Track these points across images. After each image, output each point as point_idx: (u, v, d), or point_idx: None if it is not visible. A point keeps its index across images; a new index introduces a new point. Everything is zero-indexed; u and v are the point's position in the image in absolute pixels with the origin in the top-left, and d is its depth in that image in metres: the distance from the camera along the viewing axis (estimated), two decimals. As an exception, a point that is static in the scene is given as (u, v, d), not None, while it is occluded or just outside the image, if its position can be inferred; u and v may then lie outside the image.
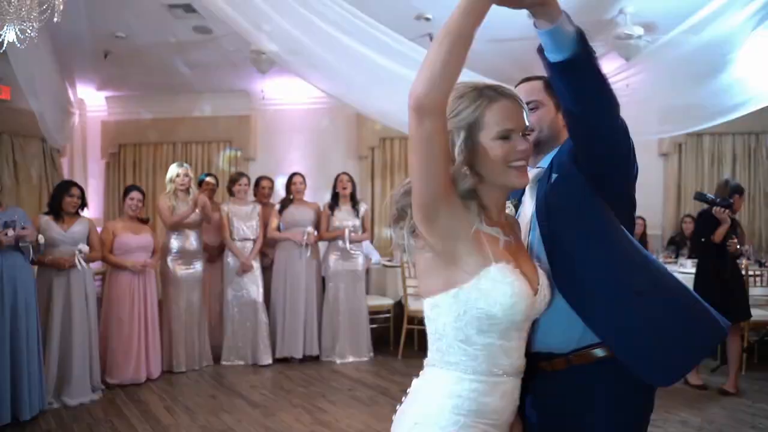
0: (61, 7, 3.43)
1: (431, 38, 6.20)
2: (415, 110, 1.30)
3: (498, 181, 1.48)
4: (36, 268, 4.67)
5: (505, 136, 1.45)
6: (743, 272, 5.31)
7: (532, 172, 1.68)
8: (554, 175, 1.66)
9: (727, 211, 4.80)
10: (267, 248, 6.19)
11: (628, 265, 1.64)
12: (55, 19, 3.46)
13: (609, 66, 6.61)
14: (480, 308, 1.41)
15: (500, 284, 1.41)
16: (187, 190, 5.70)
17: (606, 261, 1.61)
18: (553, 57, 1.41)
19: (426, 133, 1.31)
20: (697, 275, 5.11)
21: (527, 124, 1.51)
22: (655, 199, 7.75)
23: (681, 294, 1.70)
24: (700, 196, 5.03)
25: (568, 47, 1.38)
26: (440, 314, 1.47)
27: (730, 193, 5.02)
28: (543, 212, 1.64)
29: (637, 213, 6.58)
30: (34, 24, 3.53)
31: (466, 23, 1.29)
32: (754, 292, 5.43)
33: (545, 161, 1.75)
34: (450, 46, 1.28)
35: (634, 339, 1.58)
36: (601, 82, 1.46)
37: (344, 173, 6.24)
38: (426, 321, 1.52)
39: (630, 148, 1.60)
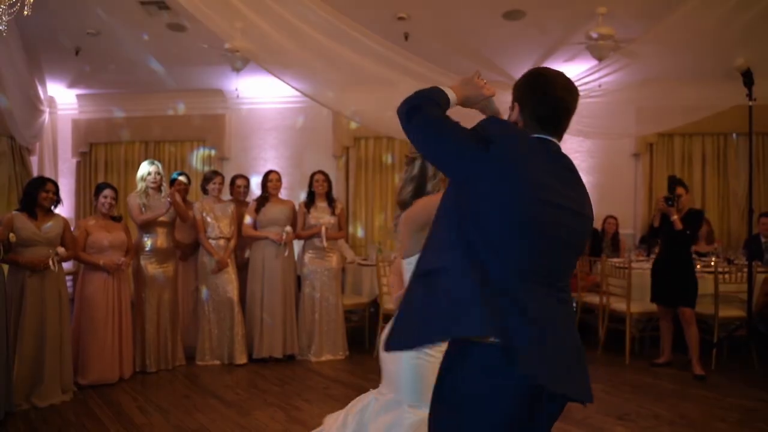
0: (32, 0, 3.37)
1: (406, 38, 6.21)
2: None
3: None
4: (7, 267, 4.57)
5: None
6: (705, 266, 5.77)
7: None
8: None
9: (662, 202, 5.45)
10: (237, 249, 6.14)
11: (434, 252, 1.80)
12: (26, 12, 3.39)
13: (581, 66, 6.69)
14: None
15: None
16: (158, 188, 5.64)
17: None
18: None
19: None
20: (657, 262, 5.65)
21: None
22: (627, 199, 7.88)
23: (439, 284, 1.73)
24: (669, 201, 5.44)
25: None
26: None
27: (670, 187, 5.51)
28: None
29: (609, 212, 6.75)
30: (3, 18, 3.46)
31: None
32: (724, 288, 5.54)
33: None
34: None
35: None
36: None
37: (320, 172, 6.21)
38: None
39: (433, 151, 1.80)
